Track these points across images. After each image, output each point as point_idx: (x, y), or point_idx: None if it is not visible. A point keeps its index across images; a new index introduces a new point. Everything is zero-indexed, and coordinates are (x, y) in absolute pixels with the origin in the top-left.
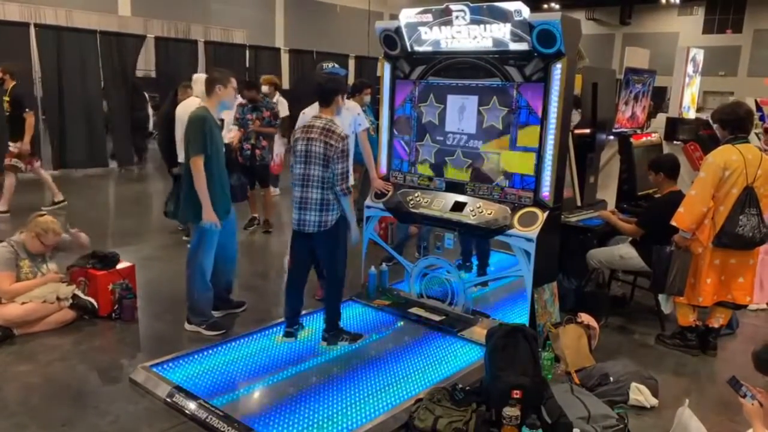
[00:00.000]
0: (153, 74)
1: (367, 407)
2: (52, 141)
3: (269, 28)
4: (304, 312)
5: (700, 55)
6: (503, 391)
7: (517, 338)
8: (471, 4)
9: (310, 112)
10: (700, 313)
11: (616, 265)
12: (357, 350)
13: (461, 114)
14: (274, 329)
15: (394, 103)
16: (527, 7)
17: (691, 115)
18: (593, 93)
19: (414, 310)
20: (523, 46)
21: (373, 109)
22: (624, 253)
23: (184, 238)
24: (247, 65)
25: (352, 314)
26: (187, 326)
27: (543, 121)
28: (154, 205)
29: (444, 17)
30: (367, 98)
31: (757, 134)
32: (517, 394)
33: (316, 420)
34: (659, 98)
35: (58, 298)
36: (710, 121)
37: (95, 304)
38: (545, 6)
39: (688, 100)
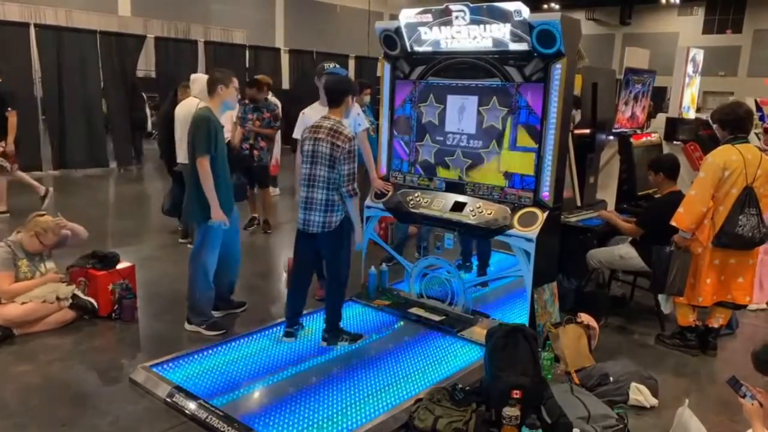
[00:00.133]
0: (153, 74)
1: (367, 407)
2: (52, 141)
3: (269, 28)
4: (304, 312)
5: (699, 56)
6: (503, 391)
7: (517, 338)
8: (471, 5)
9: (309, 113)
10: (699, 313)
11: (616, 265)
12: (357, 350)
13: (461, 114)
14: (274, 329)
15: (393, 103)
16: (527, 7)
17: (691, 115)
18: (593, 93)
19: (414, 310)
20: (522, 47)
21: (373, 110)
22: (624, 253)
23: (181, 240)
24: (247, 65)
25: (352, 314)
26: (187, 326)
27: (543, 122)
28: (154, 205)
29: (444, 17)
30: (367, 98)
31: (756, 134)
32: (516, 394)
33: (316, 420)
34: (659, 98)
35: (57, 298)
36: (710, 121)
37: (95, 304)
38: (545, 6)
39: (687, 100)
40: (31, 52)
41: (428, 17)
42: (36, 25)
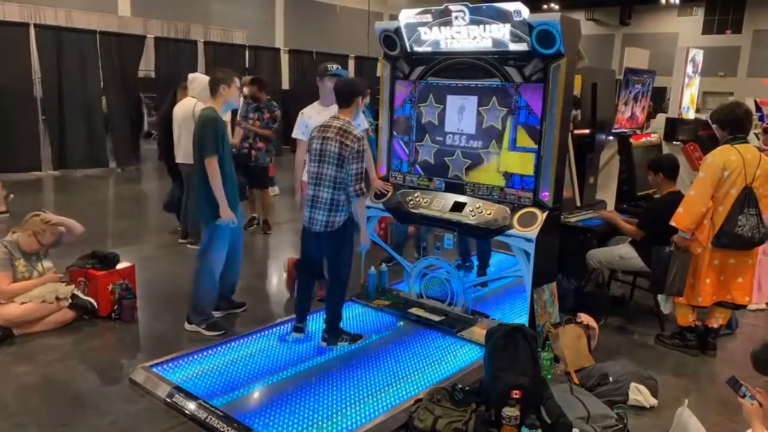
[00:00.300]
0: (152, 75)
1: (367, 407)
2: (51, 141)
3: (269, 28)
4: None
5: (699, 56)
6: (503, 391)
7: (516, 338)
8: (470, 5)
9: (309, 112)
10: (699, 314)
11: (616, 266)
12: (357, 350)
13: (461, 114)
14: (274, 329)
15: (393, 103)
16: (527, 7)
17: (691, 115)
18: (593, 93)
19: (414, 310)
20: (522, 47)
21: (372, 110)
22: (624, 253)
23: (180, 240)
24: (247, 65)
25: (351, 314)
26: (187, 326)
27: (542, 122)
28: (154, 205)
29: (443, 18)
30: (366, 99)
31: (756, 134)
32: (516, 394)
33: (315, 420)
34: (659, 99)
35: (57, 298)
36: (709, 122)
37: (95, 304)
38: (545, 6)
39: (687, 100)
40: (30, 53)
41: (428, 17)
42: (36, 26)
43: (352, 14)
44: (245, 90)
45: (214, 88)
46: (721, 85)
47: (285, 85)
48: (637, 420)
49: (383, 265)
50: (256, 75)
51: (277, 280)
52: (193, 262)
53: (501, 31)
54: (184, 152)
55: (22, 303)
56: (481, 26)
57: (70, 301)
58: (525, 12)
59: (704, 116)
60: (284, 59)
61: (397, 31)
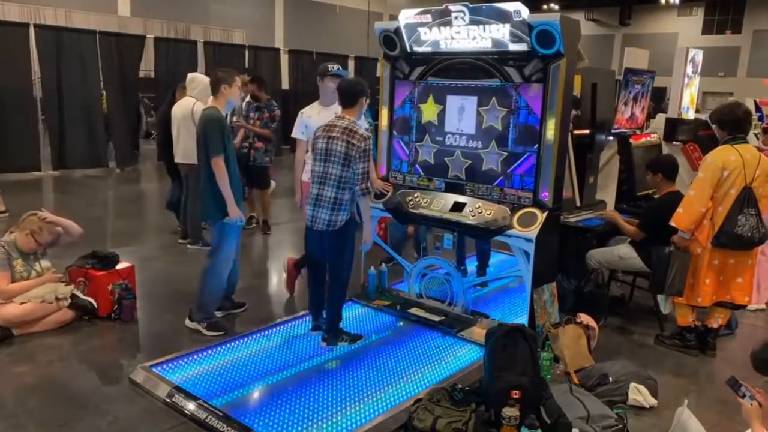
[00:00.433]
0: (152, 75)
1: (367, 407)
2: (51, 141)
3: (269, 28)
4: (303, 312)
5: (699, 56)
6: (502, 391)
7: (516, 338)
8: (470, 5)
9: (308, 112)
10: (699, 314)
11: (616, 266)
12: (356, 350)
13: (460, 114)
14: (274, 330)
15: (393, 103)
16: (526, 7)
17: (691, 115)
18: (592, 93)
19: (413, 310)
20: (522, 47)
21: (372, 110)
22: (623, 253)
23: (180, 240)
24: (247, 66)
25: (351, 314)
26: (188, 323)
27: (542, 122)
28: (154, 205)
29: (443, 18)
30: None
31: (756, 134)
32: (516, 394)
33: (315, 420)
34: (658, 99)
35: (56, 298)
36: (709, 122)
37: (94, 304)
38: (544, 6)
39: (687, 100)
40: (30, 53)
41: (428, 18)
42: (35, 26)
43: (352, 14)
44: (246, 88)
45: (215, 87)
46: (720, 85)
47: (285, 85)
48: (637, 420)
49: (383, 265)
50: (257, 75)
51: (276, 281)
52: (192, 262)
53: (501, 32)
54: (182, 152)
55: (22, 303)
56: (481, 26)
57: (69, 301)
58: (525, 12)
59: (704, 116)
60: (284, 59)
61: (397, 31)
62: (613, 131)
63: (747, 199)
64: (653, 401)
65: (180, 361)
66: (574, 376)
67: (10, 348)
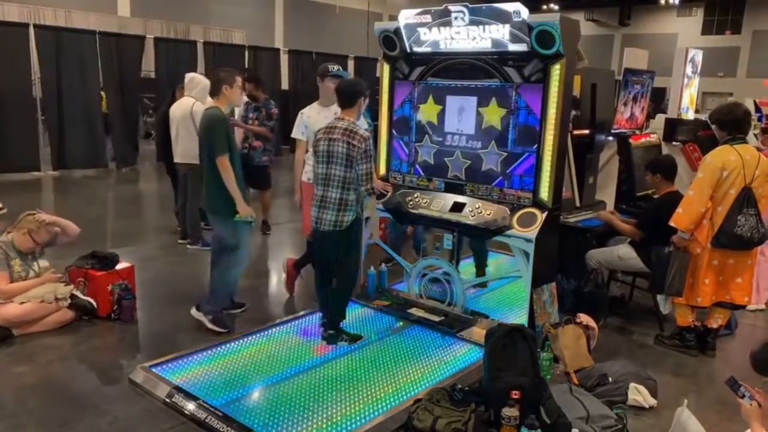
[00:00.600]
0: (152, 75)
1: (366, 408)
2: (51, 141)
3: (268, 28)
4: (303, 312)
5: (699, 56)
6: (502, 391)
7: (516, 339)
8: (470, 5)
9: (308, 112)
10: (698, 314)
11: (615, 266)
12: (356, 351)
13: (460, 115)
14: (274, 330)
15: (393, 103)
16: (526, 8)
17: (690, 116)
18: (592, 94)
19: (413, 310)
20: (522, 47)
21: (371, 110)
22: (623, 253)
23: (180, 241)
24: (246, 66)
25: (351, 315)
26: (194, 312)
27: (542, 122)
28: (153, 205)
29: (443, 18)
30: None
31: (755, 134)
32: (516, 394)
33: (315, 420)
34: (658, 99)
35: (56, 298)
36: (708, 122)
37: (94, 304)
38: (544, 7)
39: (686, 100)
40: (30, 53)
41: (427, 18)
42: (35, 26)
43: (351, 15)
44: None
45: (216, 87)
46: (720, 85)
47: (285, 85)
48: (637, 420)
49: (383, 265)
50: (253, 74)
51: (276, 281)
52: (192, 262)
53: (500, 32)
54: (182, 152)
55: (21, 303)
56: (481, 27)
57: (69, 301)
58: (524, 12)
59: (703, 117)
60: (284, 59)
61: (397, 31)
62: (612, 131)
63: (746, 199)
64: (653, 401)
65: (180, 362)
66: (574, 377)
67: (10, 348)
